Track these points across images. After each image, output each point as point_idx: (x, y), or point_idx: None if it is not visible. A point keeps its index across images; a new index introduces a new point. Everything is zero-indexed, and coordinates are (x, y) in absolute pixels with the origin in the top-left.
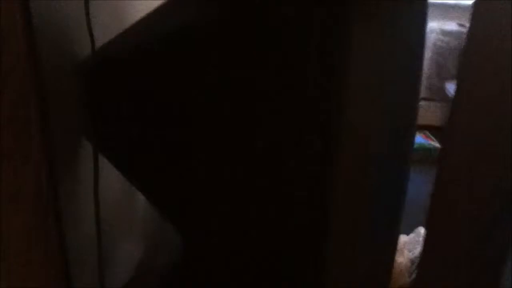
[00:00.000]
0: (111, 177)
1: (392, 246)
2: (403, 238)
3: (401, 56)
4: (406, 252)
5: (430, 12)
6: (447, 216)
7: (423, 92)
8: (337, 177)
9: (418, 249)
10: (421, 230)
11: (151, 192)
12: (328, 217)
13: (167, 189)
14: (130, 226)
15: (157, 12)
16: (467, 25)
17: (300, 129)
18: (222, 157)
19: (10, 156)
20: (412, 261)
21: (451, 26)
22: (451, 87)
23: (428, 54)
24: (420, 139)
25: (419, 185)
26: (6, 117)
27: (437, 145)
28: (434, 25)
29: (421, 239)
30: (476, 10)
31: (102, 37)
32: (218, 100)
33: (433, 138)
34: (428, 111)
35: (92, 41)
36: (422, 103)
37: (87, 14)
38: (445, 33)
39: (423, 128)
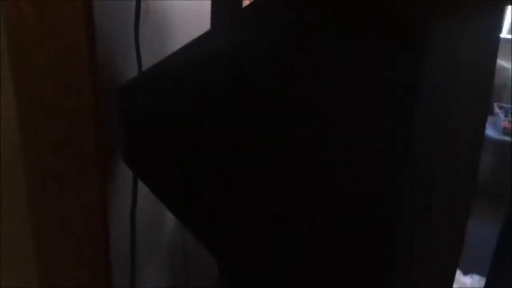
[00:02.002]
0: (144, 199)
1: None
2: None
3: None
4: None
5: None
6: None
7: None
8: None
9: None
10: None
11: (189, 217)
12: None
13: (205, 213)
14: (160, 249)
15: (203, 38)
16: None
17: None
18: (264, 182)
19: (61, 177)
20: None
21: None
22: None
23: None
24: None
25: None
26: (63, 136)
27: None
28: None
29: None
30: None
31: (146, 61)
32: (263, 126)
33: None
34: None
35: (139, 63)
36: None
37: (136, 36)
38: None
39: None
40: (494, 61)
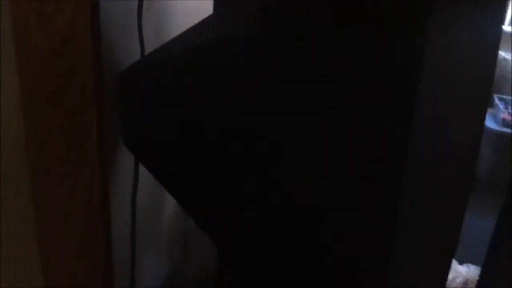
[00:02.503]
0: (144, 186)
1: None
2: None
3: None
4: None
5: None
6: None
7: None
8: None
9: None
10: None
11: (191, 203)
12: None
13: (206, 197)
14: (160, 236)
15: (202, 24)
16: None
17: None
18: (263, 166)
19: (64, 162)
20: None
21: None
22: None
23: None
24: None
25: None
26: (66, 121)
27: None
28: None
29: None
30: None
31: (148, 47)
32: (257, 111)
33: None
34: None
35: (142, 49)
36: None
37: (140, 22)
38: None
39: None
40: (496, 53)
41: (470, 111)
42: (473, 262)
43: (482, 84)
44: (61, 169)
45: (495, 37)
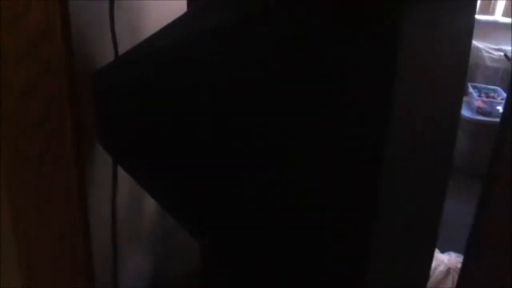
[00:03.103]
0: (123, 184)
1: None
2: None
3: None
4: None
5: None
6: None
7: None
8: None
9: None
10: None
11: (169, 200)
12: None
13: (185, 195)
14: (141, 234)
15: (177, 22)
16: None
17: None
18: (242, 161)
19: (40, 159)
20: None
21: None
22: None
23: None
24: None
25: None
26: (38, 119)
27: None
28: None
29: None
30: None
31: (121, 46)
32: (233, 108)
33: None
34: None
35: (115, 48)
36: None
37: (112, 20)
38: None
39: None
40: (469, 42)
41: (446, 101)
42: (454, 250)
43: (457, 74)
44: (36, 169)
45: (468, 27)
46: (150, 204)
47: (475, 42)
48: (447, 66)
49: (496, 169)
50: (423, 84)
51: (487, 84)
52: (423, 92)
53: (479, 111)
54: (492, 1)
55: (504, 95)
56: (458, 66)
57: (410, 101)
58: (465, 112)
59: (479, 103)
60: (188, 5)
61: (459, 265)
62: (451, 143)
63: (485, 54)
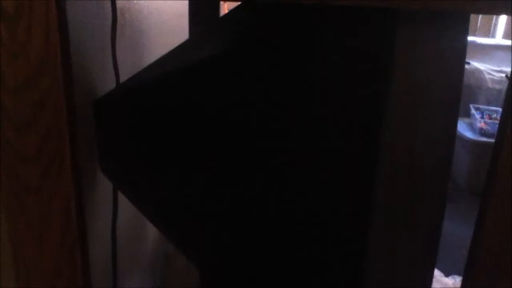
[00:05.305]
0: (125, 208)
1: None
2: None
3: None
4: None
5: None
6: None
7: None
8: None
9: None
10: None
11: (167, 227)
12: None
13: (185, 225)
14: (141, 260)
15: (179, 50)
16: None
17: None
18: (239, 191)
19: (38, 190)
20: None
21: None
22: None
23: None
24: None
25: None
26: (35, 150)
27: None
28: None
29: None
30: None
31: (123, 74)
32: (238, 140)
33: None
34: None
35: (117, 76)
36: None
37: (113, 48)
38: None
39: None
40: (463, 62)
41: (442, 120)
42: (459, 273)
43: (451, 93)
44: (34, 199)
45: (461, 48)
46: (151, 227)
47: (476, 64)
48: (441, 86)
49: (491, 188)
50: (417, 106)
51: (489, 105)
52: (418, 113)
53: (482, 132)
54: (493, 24)
55: None
56: (453, 86)
57: (404, 124)
58: (468, 133)
59: (482, 124)
60: (190, 31)
61: None
62: (447, 162)
63: (487, 76)
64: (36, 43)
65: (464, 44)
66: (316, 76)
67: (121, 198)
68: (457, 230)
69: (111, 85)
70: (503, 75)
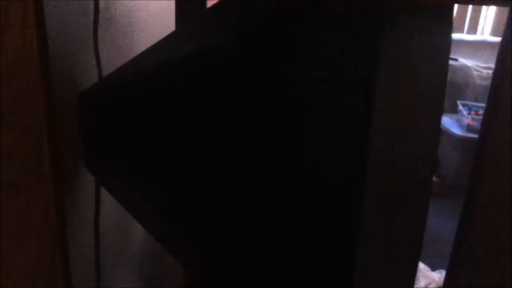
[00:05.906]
0: (108, 208)
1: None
2: None
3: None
4: None
5: None
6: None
7: None
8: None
9: None
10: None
11: (151, 224)
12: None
13: (171, 219)
14: (127, 258)
15: (163, 42)
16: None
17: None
18: (227, 187)
19: (16, 188)
20: None
21: None
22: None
23: None
24: None
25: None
26: (12, 146)
27: None
28: None
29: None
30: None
31: (107, 67)
32: (223, 133)
33: None
34: None
35: (99, 70)
36: None
37: (95, 42)
38: None
39: None
40: (447, 58)
41: (426, 116)
42: (446, 267)
43: (436, 89)
44: (13, 198)
45: (445, 44)
46: (137, 226)
47: (464, 61)
48: (426, 82)
49: (475, 184)
50: (402, 100)
51: (476, 102)
52: (403, 107)
53: (469, 128)
54: (480, 21)
55: None
56: (438, 82)
57: (390, 116)
58: (455, 130)
59: (469, 120)
60: (177, 23)
61: None
62: (431, 158)
63: (475, 72)
64: (12, 39)
65: (448, 40)
66: (301, 72)
67: (107, 196)
68: (443, 225)
69: (95, 80)
70: (491, 71)
